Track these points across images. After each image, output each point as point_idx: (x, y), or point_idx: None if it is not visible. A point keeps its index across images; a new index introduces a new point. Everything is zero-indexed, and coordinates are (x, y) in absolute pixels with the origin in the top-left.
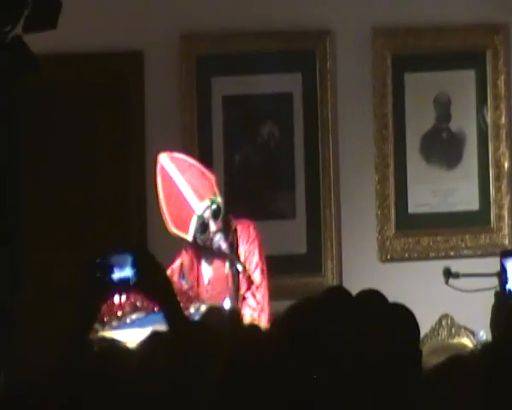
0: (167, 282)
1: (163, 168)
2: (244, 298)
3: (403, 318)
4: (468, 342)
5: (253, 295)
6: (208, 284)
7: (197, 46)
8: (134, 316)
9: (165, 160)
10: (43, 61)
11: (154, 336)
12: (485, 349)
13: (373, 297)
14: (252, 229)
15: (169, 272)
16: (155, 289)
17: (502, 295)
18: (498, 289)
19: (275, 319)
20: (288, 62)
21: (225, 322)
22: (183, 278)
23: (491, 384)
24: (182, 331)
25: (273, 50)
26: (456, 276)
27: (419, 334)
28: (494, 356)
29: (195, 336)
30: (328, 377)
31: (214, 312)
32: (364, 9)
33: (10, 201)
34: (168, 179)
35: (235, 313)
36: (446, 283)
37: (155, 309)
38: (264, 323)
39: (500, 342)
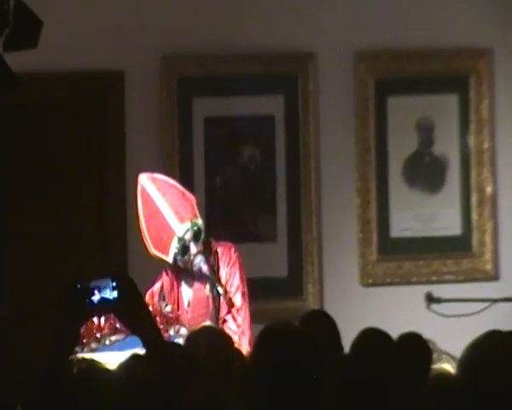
0: (146, 308)
1: (143, 189)
2: (224, 321)
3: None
4: (449, 367)
5: (234, 319)
6: (188, 306)
7: (178, 67)
8: (113, 338)
9: (145, 180)
10: (23, 80)
11: (134, 358)
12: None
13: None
14: (233, 251)
15: (149, 293)
16: (134, 314)
17: None
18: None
19: (255, 346)
20: (270, 85)
21: (212, 344)
22: (163, 300)
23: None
24: (160, 355)
25: (255, 72)
26: (438, 301)
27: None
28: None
29: (174, 360)
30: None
31: (202, 334)
32: (347, 33)
33: None
34: (148, 200)
35: (224, 337)
36: (428, 308)
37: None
38: (244, 346)
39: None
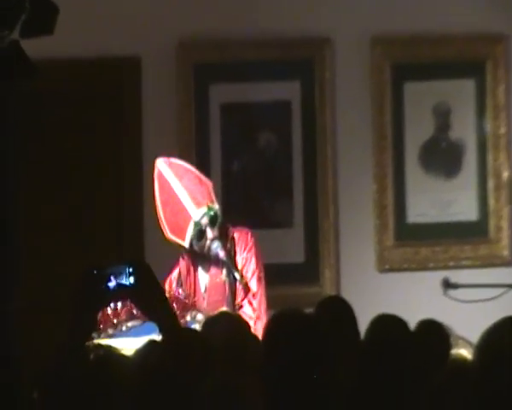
0: (162, 293)
1: (160, 173)
2: (241, 306)
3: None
4: (466, 353)
5: (250, 303)
6: (205, 291)
7: (195, 53)
8: (130, 324)
9: (162, 165)
10: (40, 66)
11: (150, 344)
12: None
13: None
14: (249, 236)
15: (167, 280)
16: (150, 300)
17: None
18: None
19: (264, 333)
20: (286, 70)
21: (229, 330)
22: (181, 286)
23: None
24: (176, 341)
25: (272, 58)
26: (455, 287)
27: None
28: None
29: (191, 346)
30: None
31: (219, 319)
32: (364, 18)
33: (5, 210)
34: (165, 185)
35: (241, 322)
36: (445, 293)
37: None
38: (260, 331)
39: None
